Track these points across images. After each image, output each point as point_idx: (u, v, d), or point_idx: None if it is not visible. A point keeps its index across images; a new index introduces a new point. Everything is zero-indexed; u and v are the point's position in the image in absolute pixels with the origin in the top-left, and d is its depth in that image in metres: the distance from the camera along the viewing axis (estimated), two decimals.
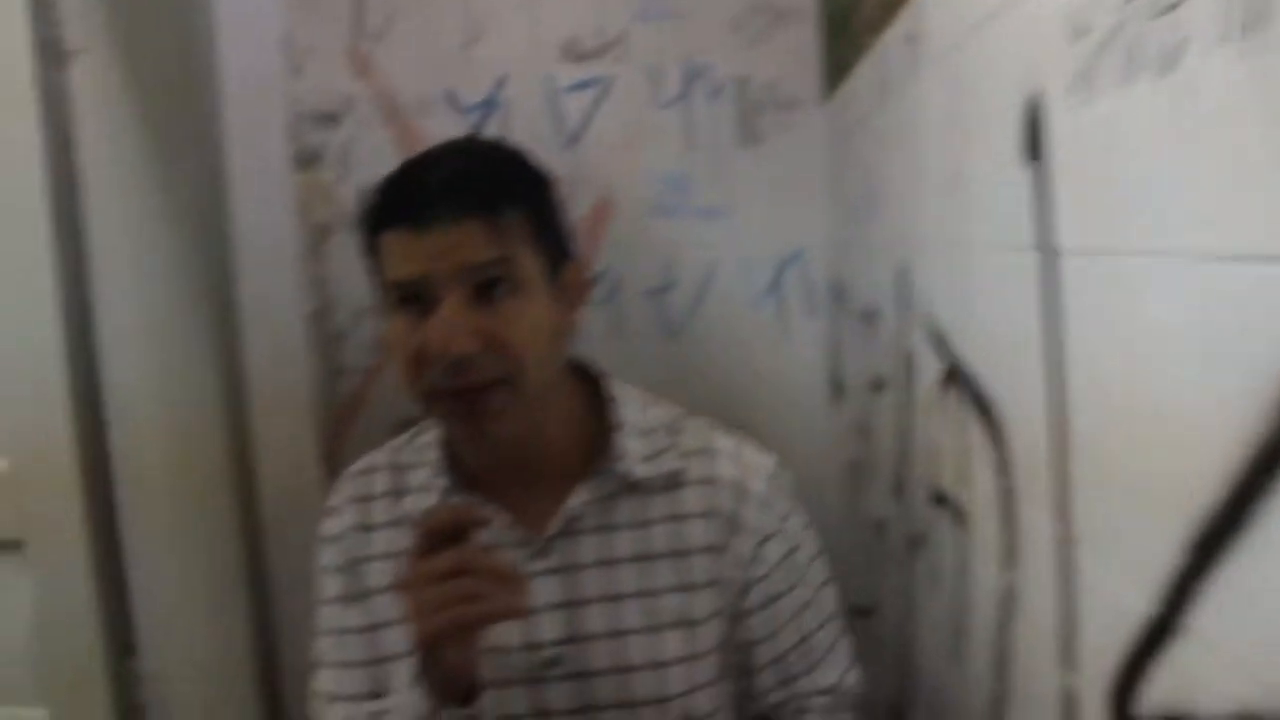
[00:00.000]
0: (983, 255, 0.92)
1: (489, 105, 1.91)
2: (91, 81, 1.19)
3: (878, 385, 1.51)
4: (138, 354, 1.26)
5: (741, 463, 1.04)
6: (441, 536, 0.84)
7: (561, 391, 1.01)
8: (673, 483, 1.01)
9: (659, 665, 0.98)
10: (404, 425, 1.12)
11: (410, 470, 1.04)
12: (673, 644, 0.99)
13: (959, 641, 1.05)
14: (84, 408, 1.27)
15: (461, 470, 1.02)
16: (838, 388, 1.91)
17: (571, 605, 0.99)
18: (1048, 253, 0.74)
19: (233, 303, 1.34)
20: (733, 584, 1.02)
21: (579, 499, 0.99)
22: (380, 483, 1.05)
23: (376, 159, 1.86)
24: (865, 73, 1.52)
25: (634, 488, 1.00)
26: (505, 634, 0.95)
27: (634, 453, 1.00)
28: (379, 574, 1.02)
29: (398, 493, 1.04)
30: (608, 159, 1.87)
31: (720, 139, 1.94)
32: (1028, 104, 0.76)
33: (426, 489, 1.01)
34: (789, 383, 1.95)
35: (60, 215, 1.23)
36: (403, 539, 0.96)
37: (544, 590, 0.97)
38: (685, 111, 1.93)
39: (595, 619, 0.98)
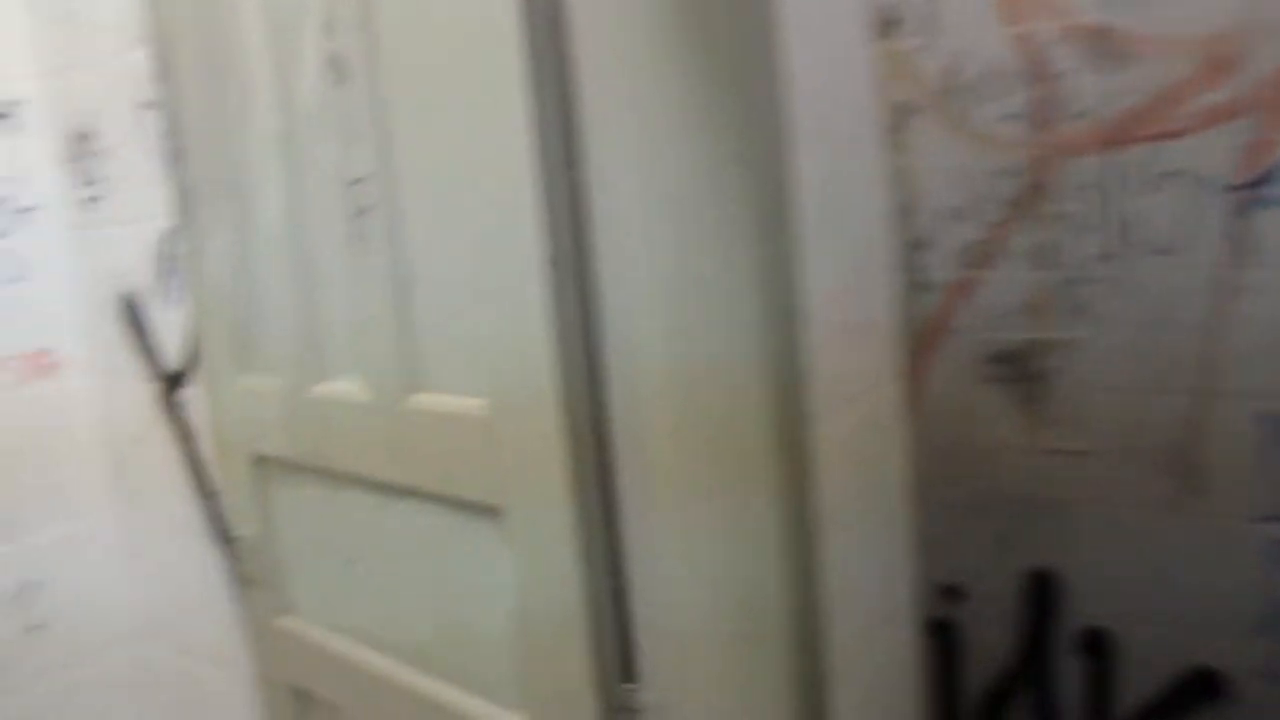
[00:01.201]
0: None
1: None
2: None
3: None
4: (646, 269, 0.94)
5: None
6: None
7: None
8: None
9: None
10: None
11: None
12: None
13: None
14: (573, 340, 0.98)
15: None
16: None
17: None
18: None
19: (783, 202, 1.06)
20: None
21: None
22: None
23: (969, 22, 1.65)
24: None
25: None
26: None
27: None
28: None
29: None
30: None
31: None
32: None
33: None
34: None
35: (544, 90, 0.93)
36: None
37: None
38: None
39: None
